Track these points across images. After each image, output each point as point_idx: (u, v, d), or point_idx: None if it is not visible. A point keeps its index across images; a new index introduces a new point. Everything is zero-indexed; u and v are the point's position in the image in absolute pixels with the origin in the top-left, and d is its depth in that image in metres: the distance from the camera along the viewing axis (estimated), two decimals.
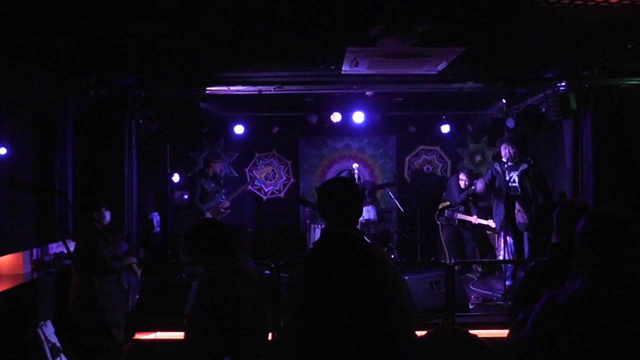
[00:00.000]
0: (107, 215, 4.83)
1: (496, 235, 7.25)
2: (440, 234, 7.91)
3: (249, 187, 8.99)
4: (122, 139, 6.30)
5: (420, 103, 8.08)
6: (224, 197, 7.56)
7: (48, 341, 4.73)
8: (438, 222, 7.85)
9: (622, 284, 1.67)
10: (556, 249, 2.60)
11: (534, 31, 4.45)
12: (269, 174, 9.48)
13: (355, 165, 8.08)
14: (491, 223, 7.21)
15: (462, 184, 7.76)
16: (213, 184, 7.52)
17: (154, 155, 8.15)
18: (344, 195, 2.47)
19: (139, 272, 5.19)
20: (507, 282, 6.47)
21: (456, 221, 7.66)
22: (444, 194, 8.01)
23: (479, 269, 7.79)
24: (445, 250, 7.79)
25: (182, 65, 5.64)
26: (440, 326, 5.12)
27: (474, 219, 7.48)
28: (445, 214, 7.76)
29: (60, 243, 4.81)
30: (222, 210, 7.47)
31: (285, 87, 6.39)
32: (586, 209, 2.56)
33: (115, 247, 5.64)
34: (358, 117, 7.73)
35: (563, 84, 6.20)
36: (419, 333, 2.35)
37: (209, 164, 7.58)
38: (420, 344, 1.40)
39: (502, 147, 6.66)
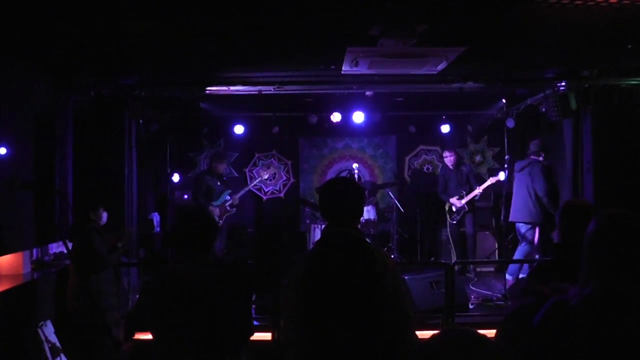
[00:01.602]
0: (104, 215, 4.82)
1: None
2: (448, 231, 7.87)
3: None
4: (122, 139, 6.28)
5: (420, 103, 8.07)
6: (229, 197, 7.60)
7: (48, 341, 4.74)
8: (453, 222, 7.74)
9: (635, 287, 1.64)
10: (558, 248, 2.60)
11: (534, 31, 4.45)
12: (270, 176, 9.49)
13: (355, 166, 8.07)
14: (500, 176, 7.35)
15: (448, 162, 7.79)
16: (219, 183, 7.58)
17: (154, 155, 8.14)
18: (345, 195, 2.46)
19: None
20: (508, 281, 6.47)
21: (466, 207, 7.60)
22: (440, 191, 7.96)
23: (477, 269, 7.77)
24: (452, 247, 7.72)
25: (182, 65, 5.63)
26: (442, 326, 5.12)
27: (479, 190, 7.51)
28: (454, 210, 7.69)
29: (60, 243, 4.82)
30: (228, 209, 7.58)
31: (285, 87, 6.38)
32: (588, 209, 2.56)
33: (115, 247, 5.63)
34: (358, 117, 7.73)
35: (563, 84, 6.19)
36: (419, 333, 2.35)
37: (216, 163, 7.63)
38: (429, 346, 1.38)
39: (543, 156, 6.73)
